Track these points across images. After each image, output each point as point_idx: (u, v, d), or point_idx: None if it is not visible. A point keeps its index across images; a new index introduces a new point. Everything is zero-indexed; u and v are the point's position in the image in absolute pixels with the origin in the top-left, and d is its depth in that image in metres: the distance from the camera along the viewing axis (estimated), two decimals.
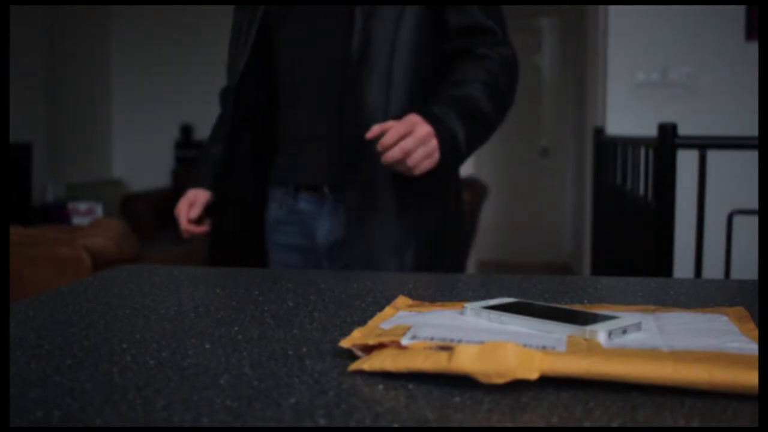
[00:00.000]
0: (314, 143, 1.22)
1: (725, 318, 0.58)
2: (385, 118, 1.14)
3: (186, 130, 5.14)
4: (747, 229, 2.73)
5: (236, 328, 0.58)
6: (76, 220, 4.18)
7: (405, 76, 1.17)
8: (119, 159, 5.34)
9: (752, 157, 3.28)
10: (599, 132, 3.56)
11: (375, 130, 1.05)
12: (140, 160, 5.27)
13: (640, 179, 2.32)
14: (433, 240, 1.22)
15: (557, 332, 0.52)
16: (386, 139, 1.04)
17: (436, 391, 0.43)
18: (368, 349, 0.49)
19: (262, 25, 1.25)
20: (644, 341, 0.50)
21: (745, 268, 2.57)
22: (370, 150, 1.13)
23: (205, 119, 3.76)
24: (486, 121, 1.17)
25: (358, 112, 1.16)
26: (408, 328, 0.52)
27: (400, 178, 1.16)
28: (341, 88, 1.17)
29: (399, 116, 1.12)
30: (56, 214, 4.19)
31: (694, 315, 0.58)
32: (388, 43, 1.16)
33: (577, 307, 0.61)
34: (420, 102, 1.18)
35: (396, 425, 0.38)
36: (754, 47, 3.50)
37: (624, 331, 0.52)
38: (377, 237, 1.17)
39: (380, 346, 0.48)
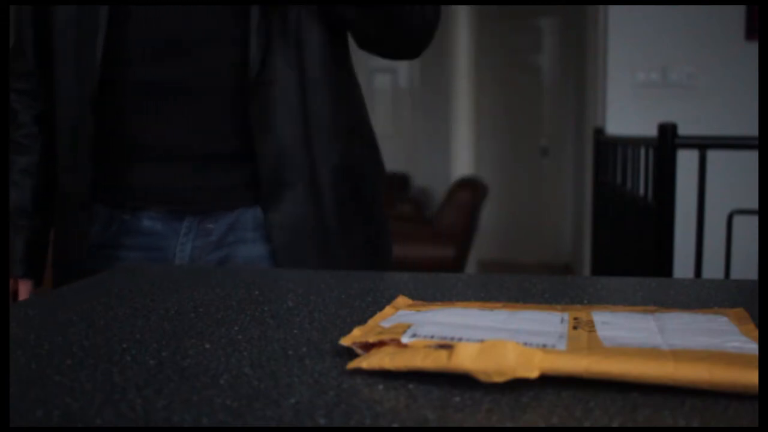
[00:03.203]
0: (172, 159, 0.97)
1: (725, 319, 0.58)
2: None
3: None
4: (747, 229, 2.74)
5: (236, 328, 0.58)
6: None
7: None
8: None
9: (752, 157, 3.28)
10: (599, 132, 3.56)
11: None
12: None
13: (640, 179, 2.32)
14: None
15: None
16: None
17: (436, 391, 0.43)
18: (368, 347, 0.49)
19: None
20: (644, 340, 0.50)
21: (745, 268, 2.57)
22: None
23: None
24: None
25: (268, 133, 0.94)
26: (408, 326, 0.52)
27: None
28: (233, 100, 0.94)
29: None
30: None
31: (693, 315, 0.58)
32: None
33: None
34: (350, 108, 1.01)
35: (396, 425, 0.38)
36: (754, 47, 3.50)
37: None
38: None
39: (380, 344, 0.48)
